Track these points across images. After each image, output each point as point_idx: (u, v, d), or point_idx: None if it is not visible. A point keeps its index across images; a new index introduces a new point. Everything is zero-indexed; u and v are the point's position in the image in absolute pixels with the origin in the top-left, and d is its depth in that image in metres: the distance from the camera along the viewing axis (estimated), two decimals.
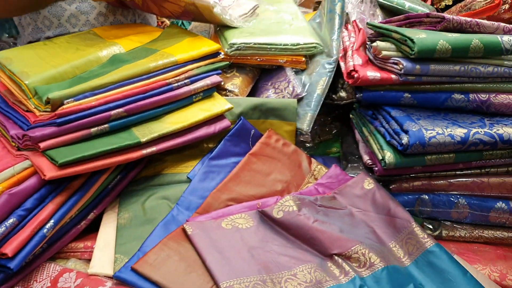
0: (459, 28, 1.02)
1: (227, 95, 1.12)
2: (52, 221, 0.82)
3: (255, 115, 1.09)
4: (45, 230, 0.81)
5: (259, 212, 0.91)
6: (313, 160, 1.07)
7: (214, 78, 1.06)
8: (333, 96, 1.14)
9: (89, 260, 0.85)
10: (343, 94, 1.12)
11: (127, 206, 0.94)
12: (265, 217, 0.91)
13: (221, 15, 1.13)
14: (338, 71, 1.13)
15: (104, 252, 0.85)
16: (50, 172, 0.81)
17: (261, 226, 0.90)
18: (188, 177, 0.99)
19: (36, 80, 0.92)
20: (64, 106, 0.88)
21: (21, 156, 0.87)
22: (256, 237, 0.87)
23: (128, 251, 0.84)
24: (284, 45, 1.14)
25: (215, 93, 1.09)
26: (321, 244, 0.87)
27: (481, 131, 0.94)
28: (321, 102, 1.10)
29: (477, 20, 1.02)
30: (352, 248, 0.86)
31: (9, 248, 0.76)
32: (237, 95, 1.12)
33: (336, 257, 0.85)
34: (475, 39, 0.95)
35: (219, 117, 1.04)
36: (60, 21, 1.26)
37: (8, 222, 0.78)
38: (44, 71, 0.95)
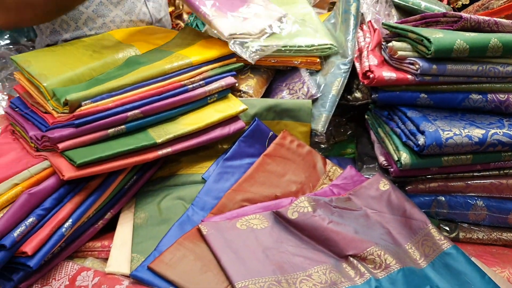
0: (476, 28, 1.00)
1: (242, 96, 1.12)
2: (70, 220, 0.83)
3: (269, 116, 1.09)
4: (63, 229, 0.82)
5: (273, 213, 0.91)
6: (328, 161, 1.07)
7: (229, 80, 1.07)
8: (348, 97, 1.13)
9: (106, 259, 0.86)
10: (358, 94, 1.12)
11: (143, 206, 0.95)
12: (280, 218, 0.91)
13: (234, 50, 1.09)
14: (353, 72, 1.12)
15: (121, 251, 0.86)
16: (69, 172, 0.83)
17: (275, 226, 0.90)
18: (203, 178, 1.00)
19: (54, 82, 0.93)
20: (81, 108, 0.89)
21: (40, 157, 0.89)
22: (270, 238, 0.87)
23: (145, 250, 0.84)
24: (298, 46, 1.14)
25: (230, 94, 1.09)
26: (336, 245, 0.86)
27: (499, 132, 0.93)
28: (336, 103, 1.10)
29: (495, 19, 1.01)
30: (368, 250, 0.85)
31: (28, 247, 0.77)
32: (251, 96, 1.12)
33: (351, 258, 0.85)
34: (494, 38, 0.93)
35: (233, 118, 1.04)
36: (77, 24, 1.27)
37: (28, 221, 0.79)
38: (62, 73, 0.97)
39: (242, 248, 0.83)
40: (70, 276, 0.82)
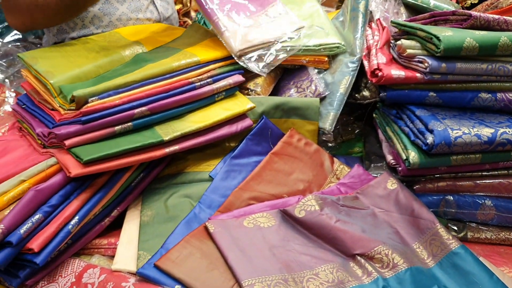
0: (486, 26, 1.00)
1: (249, 94, 1.12)
2: (76, 217, 0.83)
3: (277, 114, 1.08)
4: (70, 226, 0.82)
5: (280, 211, 0.91)
6: (335, 159, 1.06)
7: (237, 77, 1.06)
8: (356, 95, 1.13)
9: (112, 257, 0.86)
10: (366, 93, 1.11)
11: (150, 203, 0.95)
12: (287, 216, 0.90)
13: (245, 66, 1.08)
14: (361, 70, 1.11)
15: (128, 249, 0.85)
16: (75, 169, 0.82)
17: (282, 225, 0.89)
18: (210, 176, 0.99)
19: (61, 79, 0.94)
20: (88, 105, 0.89)
21: (47, 154, 0.89)
22: (277, 236, 0.87)
23: (151, 247, 0.84)
24: (306, 46, 1.13)
25: (238, 92, 1.09)
26: (343, 244, 0.86)
27: (509, 131, 0.92)
28: (344, 102, 1.09)
29: (505, 17, 1.00)
30: (375, 249, 0.85)
31: (35, 244, 0.77)
32: (259, 94, 1.12)
33: (358, 257, 0.84)
34: (504, 37, 0.93)
35: (241, 116, 1.04)
36: (84, 22, 1.28)
37: (34, 218, 0.79)
38: (68, 70, 0.97)
39: (249, 246, 0.83)
40: (77, 273, 0.82)
